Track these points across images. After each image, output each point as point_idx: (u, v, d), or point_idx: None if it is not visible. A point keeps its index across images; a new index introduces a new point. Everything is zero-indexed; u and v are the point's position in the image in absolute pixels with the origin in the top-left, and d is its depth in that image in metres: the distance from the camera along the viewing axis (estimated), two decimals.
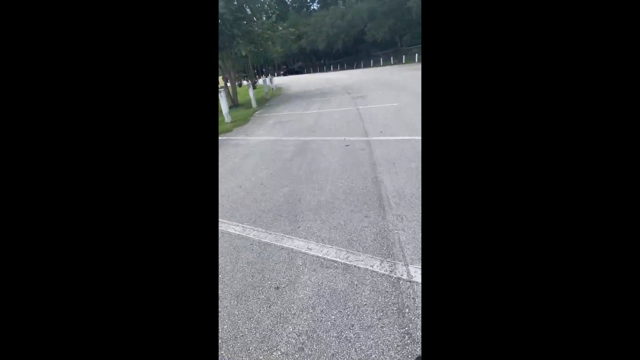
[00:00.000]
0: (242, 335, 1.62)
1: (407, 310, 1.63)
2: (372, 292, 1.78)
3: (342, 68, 42.58)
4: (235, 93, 12.93)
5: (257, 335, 1.61)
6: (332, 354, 1.46)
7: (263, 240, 2.51)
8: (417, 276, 1.84)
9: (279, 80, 32.17)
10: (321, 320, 1.65)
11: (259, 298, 1.87)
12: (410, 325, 1.54)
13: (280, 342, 1.55)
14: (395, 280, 1.85)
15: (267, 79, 20.74)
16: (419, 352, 1.39)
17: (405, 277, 1.87)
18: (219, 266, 2.22)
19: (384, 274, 1.91)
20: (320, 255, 2.21)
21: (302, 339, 1.56)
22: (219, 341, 1.61)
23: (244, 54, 11.12)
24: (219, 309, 1.82)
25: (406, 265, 1.97)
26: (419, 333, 1.45)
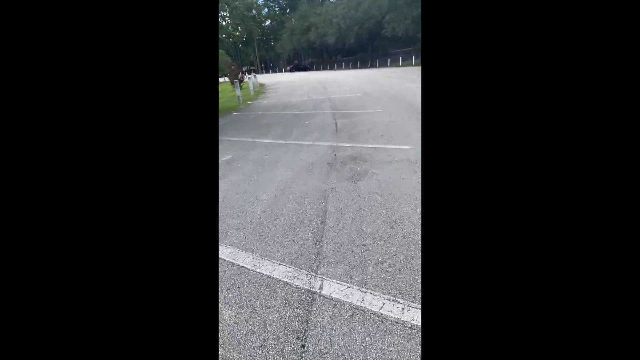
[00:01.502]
0: None
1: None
2: None
3: (355, 66, 35.87)
4: None
5: None
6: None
7: None
8: None
9: (279, 78, 26.25)
10: None
11: None
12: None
13: None
14: None
15: (252, 77, 16.04)
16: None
17: None
18: None
19: None
20: None
21: None
22: None
23: None
24: None
25: None
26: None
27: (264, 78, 30.84)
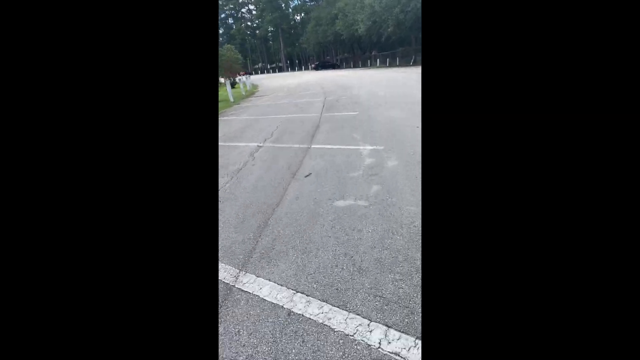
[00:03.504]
0: None
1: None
2: None
3: (393, 63, 26.61)
4: None
5: None
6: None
7: None
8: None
9: (291, 80, 20.17)
10: None
11: None
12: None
13: None
14: None
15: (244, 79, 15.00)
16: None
17: None
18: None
19: None
20: None
21: None
22: None
23: None
24: None
25: None
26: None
27: (275, 79, 23.46)
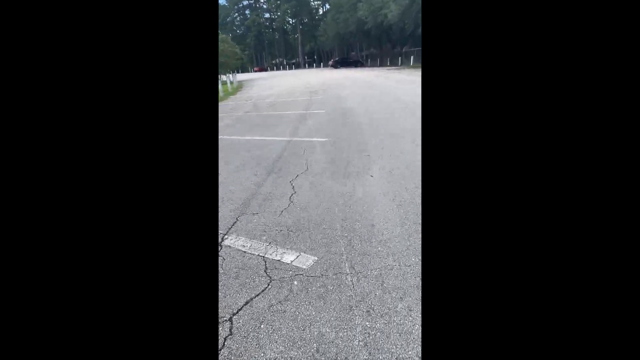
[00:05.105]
0: None
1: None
2: None
3: None
4: None
5: None
6: None
7: None
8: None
9: (296, 80, 16.36)
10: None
11: None
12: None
13: None
14: None
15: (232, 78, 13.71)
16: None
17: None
18: None
19: None
20: None
21: None
22: None
23: None
24: None
25: None
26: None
27: (276, 80, 18.82)
